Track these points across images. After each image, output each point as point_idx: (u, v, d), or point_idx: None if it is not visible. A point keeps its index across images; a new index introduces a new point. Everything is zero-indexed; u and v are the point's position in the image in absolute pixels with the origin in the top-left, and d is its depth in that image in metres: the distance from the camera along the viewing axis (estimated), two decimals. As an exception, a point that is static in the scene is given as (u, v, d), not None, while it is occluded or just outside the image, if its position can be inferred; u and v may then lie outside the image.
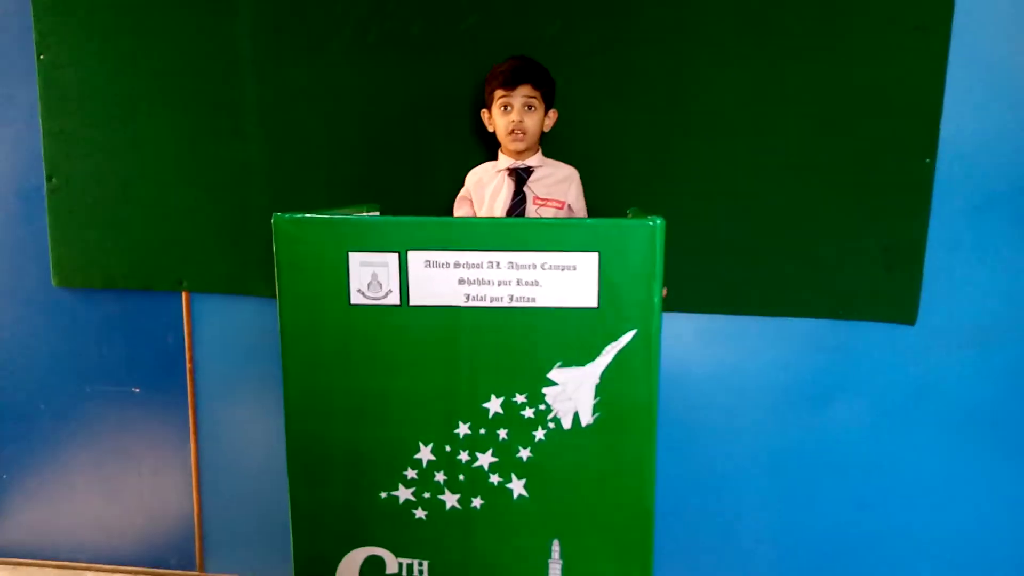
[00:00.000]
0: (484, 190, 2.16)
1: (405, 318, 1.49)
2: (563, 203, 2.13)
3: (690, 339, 2.41)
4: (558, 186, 2.15)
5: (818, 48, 2.21)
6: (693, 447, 2.46)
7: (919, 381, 2.35)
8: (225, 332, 2.56)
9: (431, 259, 1.47)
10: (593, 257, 1.44)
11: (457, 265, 1.47)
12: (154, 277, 2.52)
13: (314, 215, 1.50)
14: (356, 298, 1.49)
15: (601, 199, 2.21)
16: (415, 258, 1.47)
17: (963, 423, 2.36)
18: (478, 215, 2.19)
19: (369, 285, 1.48)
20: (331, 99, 2.38)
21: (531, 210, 2.11)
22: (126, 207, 2.49)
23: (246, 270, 2.46)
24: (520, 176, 2.13)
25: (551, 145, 2.23)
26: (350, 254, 1.48)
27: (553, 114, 2.16)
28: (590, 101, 2.30)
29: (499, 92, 2.08)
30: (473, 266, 1.46)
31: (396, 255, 1.47)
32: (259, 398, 2.56)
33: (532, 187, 2.12)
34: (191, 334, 2.57)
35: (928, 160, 2.23)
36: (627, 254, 1.44)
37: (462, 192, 2.23)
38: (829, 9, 2.21)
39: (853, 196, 2.25)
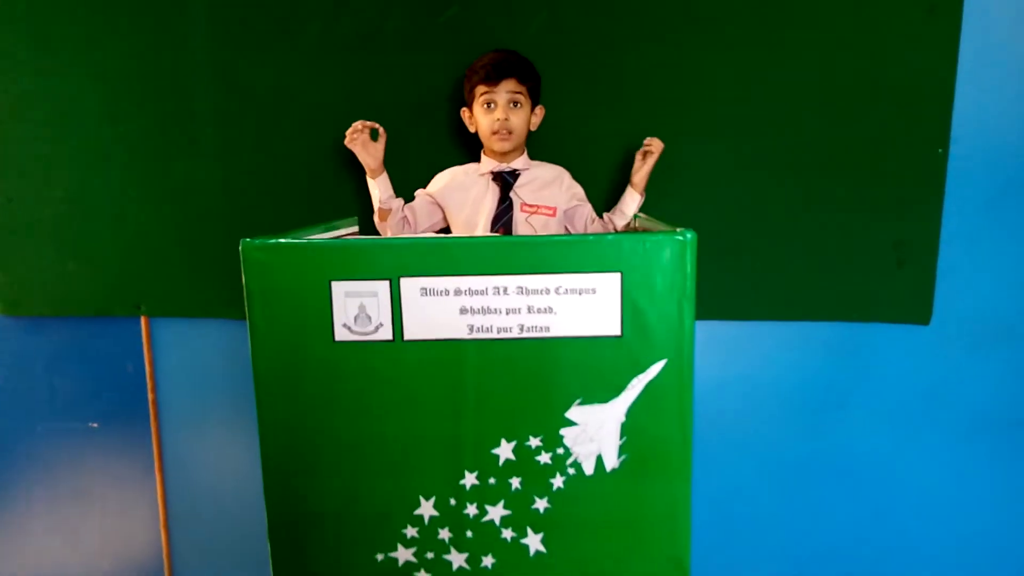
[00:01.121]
0: (464, 194, 1.94)
1: (399, 355, 1.27)
2: (554, 209, 1.92)
3: (697, 347, 2.20)
4: (547, 189, 1.94)
5: (823, 35, 2.05)
6: (703, 458, 2.27)
7: (935, 383, 2.20)
8: (189, 358, 2.32)
9: (428, 286, 1.25)
10: (615, 278, 1.23)
11: (458, 292, 1.25)
12: (110, 302, 2.28)
13: (289, 239, 1.27)
14: (342, 334, 1.26)
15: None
16: (409, 286, 1.25)
17: (981, 427, 2.22)
18: (453, 223, 1.95)
19: (356, 319, 1.26)
20: (297, 103, 2.15)
21: (519, 218, 1.90)
22: (76, 227, 2.25)
23: (209, 292, 2.22)
24: (505, 180, 1.91)
25: (536, 148, 2.01)
26: (333, 283, 1.25)
27: (540, 111, 1.94)
28: (579, 98, 2.10)
29: (481, 88, 1.86)
30: (476, 292, 1.25)
31: (387, 283, 1.25)
32: (228, 427, 2.33)
33: (519, 192, 1.91)
34: (152, 362, 2.32)
35: (940, 150, 2.08)
36: (654, 273, 1.23)
37: (430, 187, 1.99)
38: (840, -5, 2.01)
39: (862, 190, 2.10)
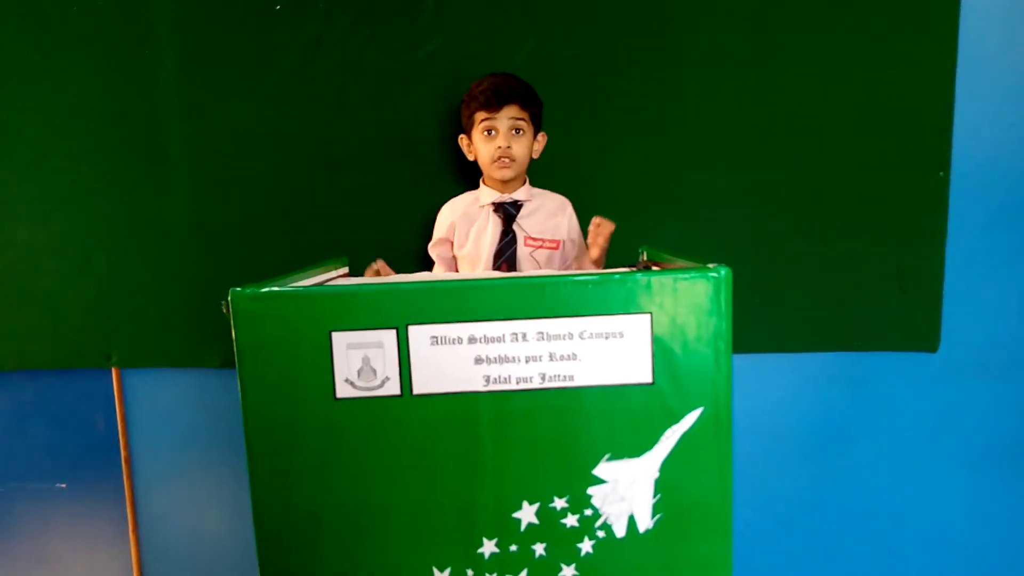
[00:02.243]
0: (466, 227, 1.82)
1: (408, 411, 1.14)
2: (558, 242, 1.80)
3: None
4: (551, 221, 1.83)
5: (818, 57, 1.99)
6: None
7: (944, 413, 2.12)
8: (164, 411, 2.16)
9: (439, 334, 1.12)
10: (644, 320, 1.11)
11: (472, 340, 1.12)
12: (77, 353, 2.12)
13: (283, 287, 1.12)
14: (344, 390, 1.12)
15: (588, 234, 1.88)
16: (418, 334, 1.11)
17: (992, 457, 2.15)
18: (460, 259, 1.83)
19: (360, 372, 1.12)
20: (275, 139, 2.02)
21: (522, 252, 1.78)
22: (39, 274, 2.09)
23: (184, 339, 2.07)
24: (508, 212, 1.79)
25: (530, 175, 1.89)
26: (333, 334, 1.11)
27: (543, 138, 1.84)
28: (570, 127, 2.00)
29: (481, 115, 1.75)
30: (493, 340, 1.12)
31: (393, 332, 1.11)
32: (208, 486, 2.16)
33: (522, 224, 1.79)
34: (124, 416, 2.15)
35: (942, 173, 2.02)
36: (687, 314, 1.11)
37: (440, 232, 1.87)
38: (829, 14, 1.95)
39: (862, 216, 2.03)
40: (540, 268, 1.81)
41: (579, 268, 1.88)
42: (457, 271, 1.88)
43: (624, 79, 1.99)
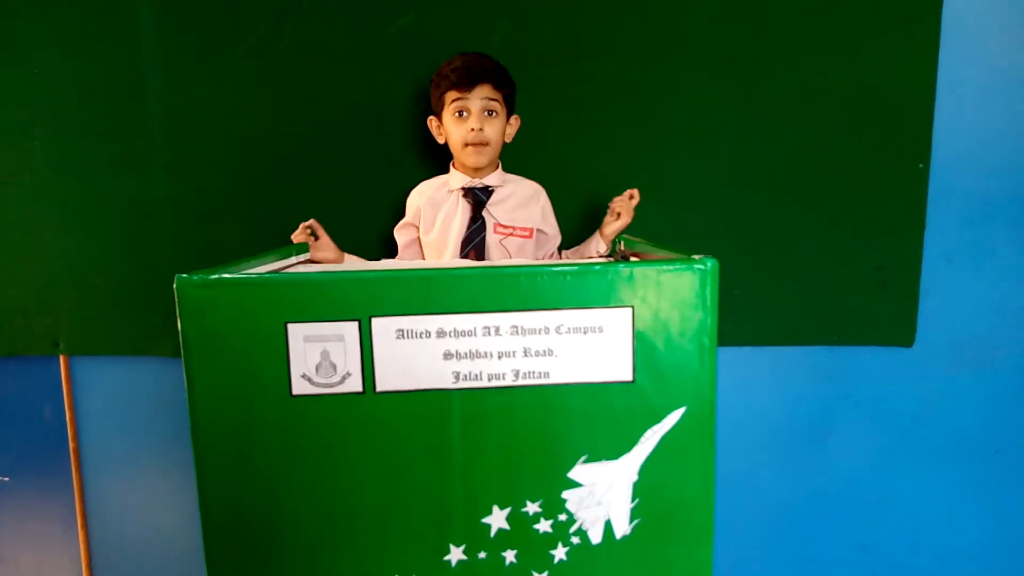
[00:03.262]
0: (432, 212, 1.72)
1: (371, 410, 1.04)
2: (530, 230, 1.71)
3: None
4: (523, 209, 1.73)
5: (800, 46, 1.93)
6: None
7: (919, 406, 2.08)
8: (114, 401, 2.05)
9: (405, 327, 1.02)
10: (625, 314, 1.03)
11: (441, 333, 1.03)
12: (23, 340, 2.01)
13: (234, 274, 1.02)
14: (300, 386, 1.03)
15: (563, 223, 1.83)
16: (382, 327, 1.02)
17: (968, 450, 2.11)
18: (425, 244, 1.74)
19: (318, 367, 1.02)
20: (236, 118, 1.90)
21: (492, 240, 1.69)
22: (-19, 255, 1.93)
23: (136, 326, 1.96)
24: (478, 197, 1.70)
25: (505, 162, 1.80)
26: (290, 326, 1.01)
27: (515, 121, 1.74)
28: (546, 111, 1.91)
29: (452, 95, 1.65)
30: (463, 333, 1.03)
31: (355, 324, 1.02)
32: (160, 478, 2.06)
33: (492, 211, 1.70)
34: (73, 406, 2.03)
35: (921, 165, 1.97)
36: (670, 308, 1.03)
37: (407, 217, 1.77)
38: (811, 4, 1.90)
39: (841, 208, 1.98)
40: (511, 257, 1.72)
41: (561, 258, 1.79)
42: (424, 258, 1.78)
43: (603, 64, 1.92)
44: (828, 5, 1.91)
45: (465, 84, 1.64)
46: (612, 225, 1.68)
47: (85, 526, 2.08)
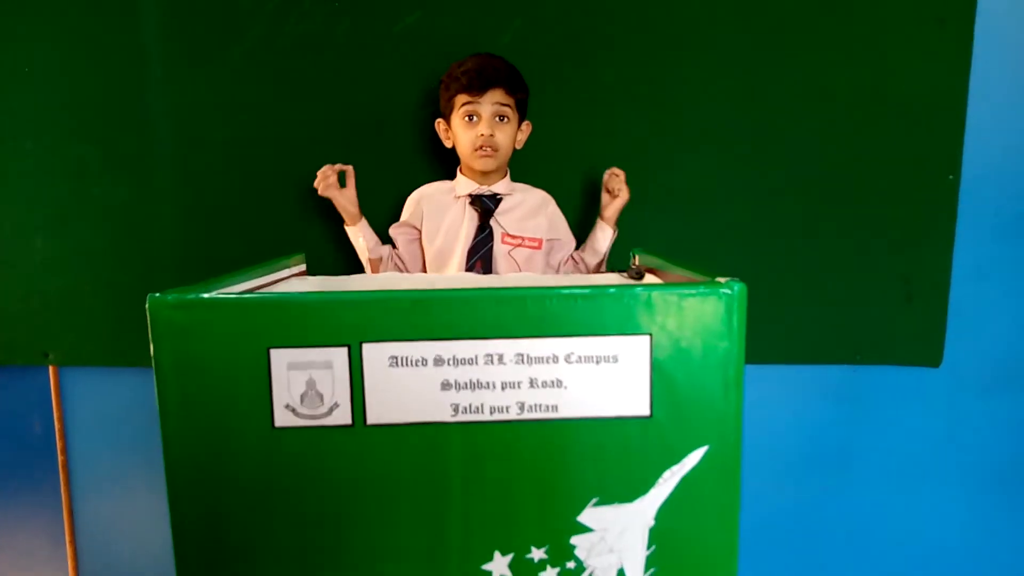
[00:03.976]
0: (438, 219, 1.62)
1: (361, 445, 0.94)
2: (539, 240, 1.62)
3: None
4: (531, 219, 1.64)
5: (824, 47, 1.83)
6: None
7: (947, 431, 1.96)
8: (105, 413, 1.98)
9: (399, 353, 0.92)
10: (643, 342, 0.92)
11: (439, 361, 0.92)
12: (10, 349, 1.93)
13: (212, 294, 0.92)
14: (284, 417, 0.92)
15: (572, 231, 1.75)
16: (374, 353, 0.92)
17: (998, 477, 1.99)
18: (426, 253, 1.64)
19: (303, 397, 0.92)
20: (234, 119, 1.81)
21: (499, 251, 1.59)
22: (-33, 260, 1.84)
23: (128, 337, 1.87)
24: (486, 205, 1.60)
25: (511, 167, 1.70)
26: (272, 352, 0.91)
27: (527, 127, 1.65)
28: (557, 115, 1.80)
29: (462, 98, 1.55)
30: (464, 362, 0.92)
31: (344, 350, 0.92)
32: (149, 493, 1.98)
33: (500, 220, 1.60)
34: (62, 418, 1.95)
35: (952, 176, 1.85)
36: (693, 336, 0.93)
37: (405, 215, 1.68)
38: (837, 2, 1.75)
39: (866, 220, 1.89)
40: (519, 269, 1.62)
41: (575, 262, 1.69)
42: (423, 263, 1.68)
43: (618, 65, 1.82)
44: (853, 7, 1.80)
45: (476, 88, 1.55)
46: (612, 205, 1.62)
47: (74, 542, 1.99)
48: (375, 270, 1.66)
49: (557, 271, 1.69)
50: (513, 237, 1.63)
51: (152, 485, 1.97)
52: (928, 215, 1.88)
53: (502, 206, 1.64)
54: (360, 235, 1.65)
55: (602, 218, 1.66)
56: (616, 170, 1.62)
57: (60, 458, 1.96)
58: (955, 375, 1.94)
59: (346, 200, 1.63)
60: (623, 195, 1.62)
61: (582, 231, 1.78)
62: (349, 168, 1.63)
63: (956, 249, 1.89)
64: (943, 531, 1.99)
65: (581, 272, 1.68)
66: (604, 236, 1.67)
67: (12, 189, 1.85)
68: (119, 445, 1.96)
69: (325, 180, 1.59)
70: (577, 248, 1.74)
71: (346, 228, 1.68)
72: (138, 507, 1.98)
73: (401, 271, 1.69)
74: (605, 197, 1.65)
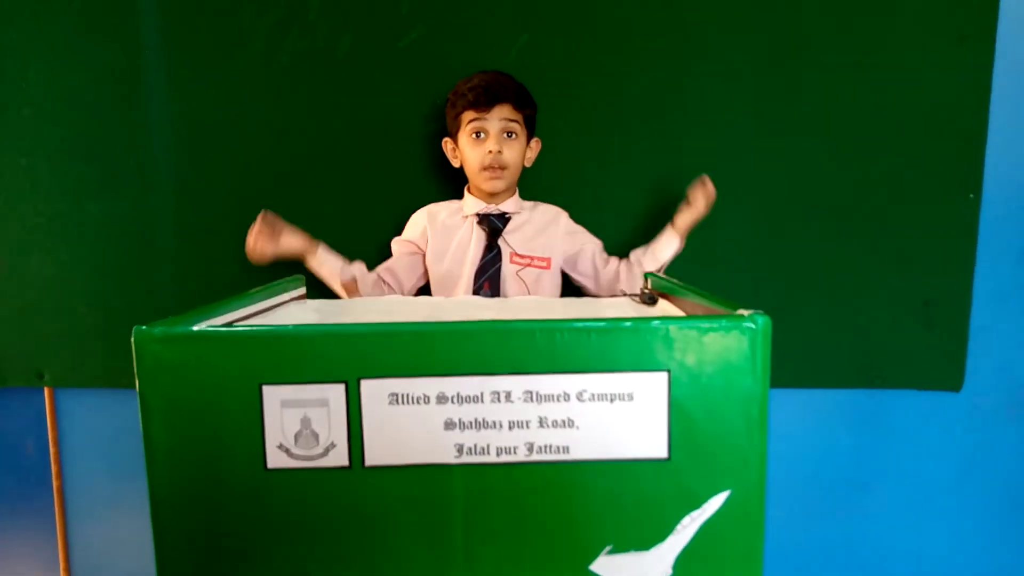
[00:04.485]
0: (445, 240, 1.57)
1: (358, 487, 0.88)
2: (548, 260, 1.57)
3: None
4: (540, 237, 1.59)
5: (840, 63, 1.77)
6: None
7: (967, 458, 1.88)
8: (101, 436, 1.93)
9: (399, 391, 0.86)
10: (660, 379, 0.86)
11: (442, 399, 0.86)
12: (4, 370, 1.88)
13: (202, 326, 0.86)
14: (277, 458, 0.86)
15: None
16: (373, 390, 0.86)
17: (1020, 506, 1.88)
18: (432, 274, 1.57)
19: (298, 437, 0.86)
20: (234, 135, 1.76)
21: (508, 271, 1.53)
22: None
23: (125, 358, 1.76)
24: (493, 225, 1.54)
25: (520, 185, 1.65)
26: (265, 388, 0.85)
27: (536, 144, 1.60)
28: (565, 133, 1.75)
29: (469, 114, 1.50)
30: (469, 399, 0.86)
31: (342, 386, 0.86)
32: (146, 519, 1.85)
33: (508, 240, 1.54)
34: (57, 441, 1.89)
35: (972, 196, 1.78)
36: (714, 373, 0.86)
37: (408, 233, 1.62)
38: (854, 17, 1.71)
39: (885, 240, 1.83)
40: (527, 290, 1.57)
41: (630, 265, 1.61)
42: (420, 279, 1.61)
43: (628, 80, 1.77)
44: (872, 23, 1.74)
45: (483, 103, 1.50)
46: (684, 215, 1.55)
47: (68, 570, 1.92)
48: (351, 293, 1.57)
49: (600, 275, 1.61)
50: (522, 257, 1.57)
51: (148, 510, 1.90)
52: (948, 235, 1.82)
53: (510, 225, 1.59)
54: (323, 265, 1.56)
55: (673, 226, 1.60)
56: (705, 178, 1.55)
57: (55, 482, 1.90)
58: (976, 400, 1.88)
59: (284, 247, 1.53)
60: (698, 206, 1.55)
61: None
62: (266, 214, 1.51)
63: (977, 270, 1.83)
64: (963, 560, 1.92)
65: (636, 276, 1.59)
66: (669, 246, 1.60)
67: (7, 207, 1.80)
68: (115, 469, 1.90)
69: (252, 247, 1.49)
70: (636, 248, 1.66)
71: (307, 265, 1.58)
72: (134, 533, 1.92)
73: (388, 286, 1.61)
74: (683, 205, 1.58)
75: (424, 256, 1.64)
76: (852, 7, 1.74)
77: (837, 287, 1.82)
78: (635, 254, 1.62)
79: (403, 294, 1.60)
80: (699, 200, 1.54)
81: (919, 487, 1.91)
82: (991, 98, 1.77)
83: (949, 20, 1.75)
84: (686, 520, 0.89)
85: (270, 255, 1.49)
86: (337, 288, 1.57)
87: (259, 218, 1.50)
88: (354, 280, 1.56)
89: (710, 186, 1.55)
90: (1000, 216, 1.83)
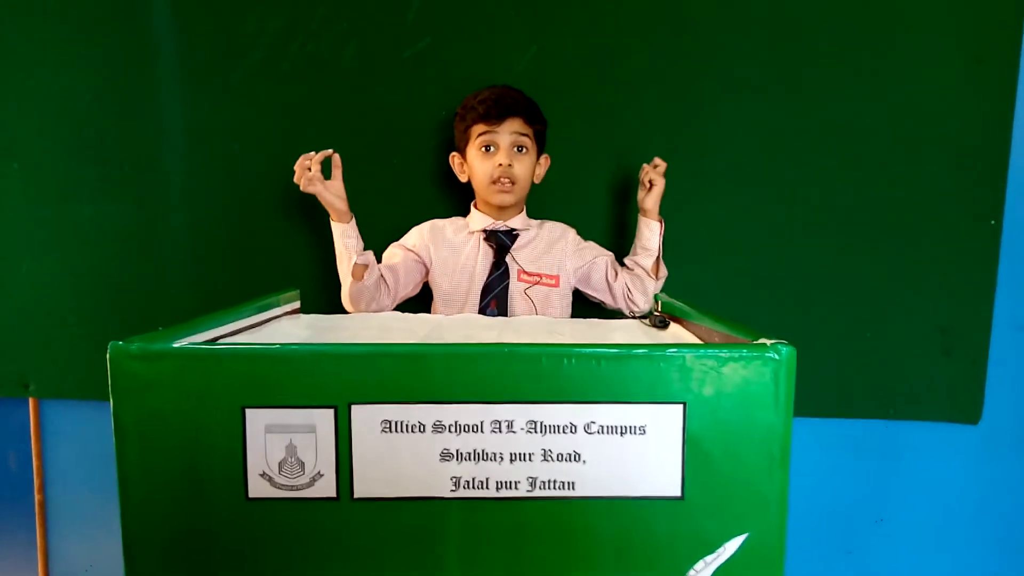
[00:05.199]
0: (451, 257, 1.51)
1: (347, 521, 0.82)
2: (556, 278, 1.51)
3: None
4: (548, 254, 1.53)
5: (858, 82, 1.72)
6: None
7: (985, 492, 1.83)
8: (87, 450, 1.88)
9: (392, 418, 0.80)
10: (675, 412, 0.80)
11: (439, 427, 0.79)
12: None
13: (183, 342, 0.80)
14: (259, 487, 0.80)
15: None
16: (364, 417, 0.80)
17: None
18: (436, 291, 1.51)
19: (282, 465, 0.80)
20: (234, 143, 1.71)
21: (515, 289, 1.47)
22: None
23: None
24: (501, 241, 1.48)
25: (528, 203, 1.60)
26: (248, 412, 0.79)
27: (545, 160, 1.55)
28: (575, 148, 1.68)
29: (479, 128, 1.45)
30: (467, 428, 0.80)
31: (331, 412, 0.79)
32: None
33: (516, 257, 1.48)
34: (40, 454, 1.83)
35: (993, 222, 1.72)
36: (733, 407, 0.79)
37: (408, 241, 1.57)
38: (872, 34, 1.66)
39: (903, 267, 1.78)
40: (535, 310, 1.51)
41: (630, 269, 1.56)
42: (389, 288, 1.54)
43: (638, 94, 1.71)
44: (891, 46, 1.69)
45: (494, 116, 1.45)
46: (650, 197, 1.51)
47: (48, 587, 1.85)
48: (358, 278, 1.48)
49: (613, 289, 1.56)
50: (530, 275, 1.52)
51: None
52: (968, 263, 1.76)
53: (519, 241, 1.54)
54: (348, 237, 1.48)
55: (644, 211, 1.55)
56: (656, 160, 1.52)
57: (37, 496, 1.83)
58: (994, 433, 1.82)
59: (332, 194, 1.45)
60: (659, 184, 1.51)
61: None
62: (335, 156, 1.45)
63: (997, 299, 1.76)
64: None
65: (639, 277, 1.53)
66: (651, 231, 1.55)
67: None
68: (100, 485, 1.84)
69: (305, 173, 1.41)
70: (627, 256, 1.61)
71: (332, 224, 1.50)
72: (116, 548, 1.84)
73: (386, 287, 1.53)
74: (641, 192, 1.54)
75: (424, 265, 1.58)
76: (871, 26, 1.69)
77: (853, 315, 1.77)
78: (629, 260, 1.58)
79: (395, 298, 1.54)
80: (658, 180, 1.51)
81: (934, 520, 1.84)
82: (1014, 121, 1.71)
83: (967, 43, 1.70)
84: (699, 565, 0.82)
85: (313, 192, 1.43)
86: (346, 264, 1.48)
87: (318, 156, 1.41)
88: (367, 266, 1.47)
89: (660, 164, 1.52)
90: (1021, 242, 1.77)
